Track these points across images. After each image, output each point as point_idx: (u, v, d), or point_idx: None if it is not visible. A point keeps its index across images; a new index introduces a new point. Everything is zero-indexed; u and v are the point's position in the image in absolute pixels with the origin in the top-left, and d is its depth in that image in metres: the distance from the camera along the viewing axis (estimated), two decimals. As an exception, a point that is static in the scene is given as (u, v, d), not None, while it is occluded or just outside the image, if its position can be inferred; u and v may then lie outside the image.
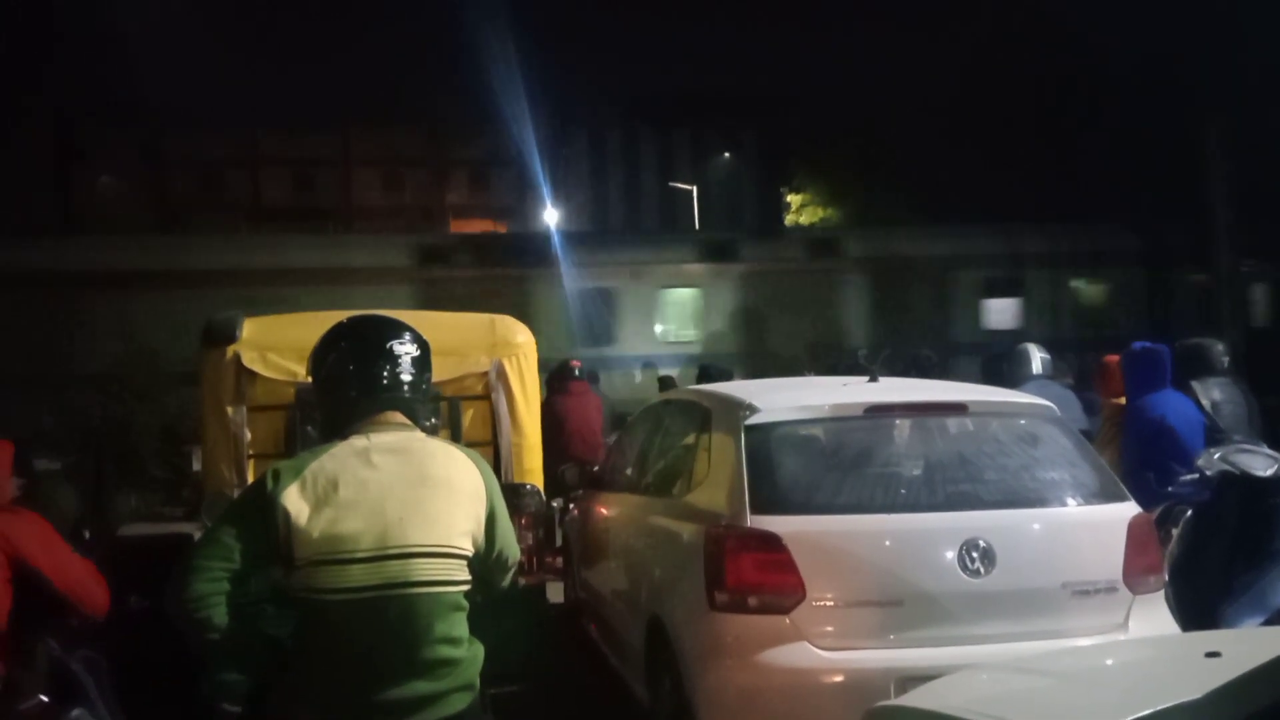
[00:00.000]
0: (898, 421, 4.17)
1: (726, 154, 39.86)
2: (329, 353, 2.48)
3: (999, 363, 6.74)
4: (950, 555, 3.71)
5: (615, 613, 5.12)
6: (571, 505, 6.97)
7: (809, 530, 3.77)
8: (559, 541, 7.34)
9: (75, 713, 3.30)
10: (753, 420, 4.04)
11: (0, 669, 3.00)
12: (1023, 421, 4.27)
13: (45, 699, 3.22)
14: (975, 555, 3.71)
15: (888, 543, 3.79)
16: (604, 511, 5.83)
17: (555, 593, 7.02)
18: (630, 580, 4.89)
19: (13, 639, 3.03)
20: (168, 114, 37.14)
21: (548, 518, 7.02)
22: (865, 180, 29.04)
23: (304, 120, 40.21)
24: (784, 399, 4.38)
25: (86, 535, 3.77)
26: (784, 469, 3.99)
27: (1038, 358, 6.58)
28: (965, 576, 3.70)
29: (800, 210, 32.50)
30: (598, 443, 8.61)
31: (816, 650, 3.64)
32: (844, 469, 4.01)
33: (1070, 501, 4.07)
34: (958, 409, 4.27)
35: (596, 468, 6.86)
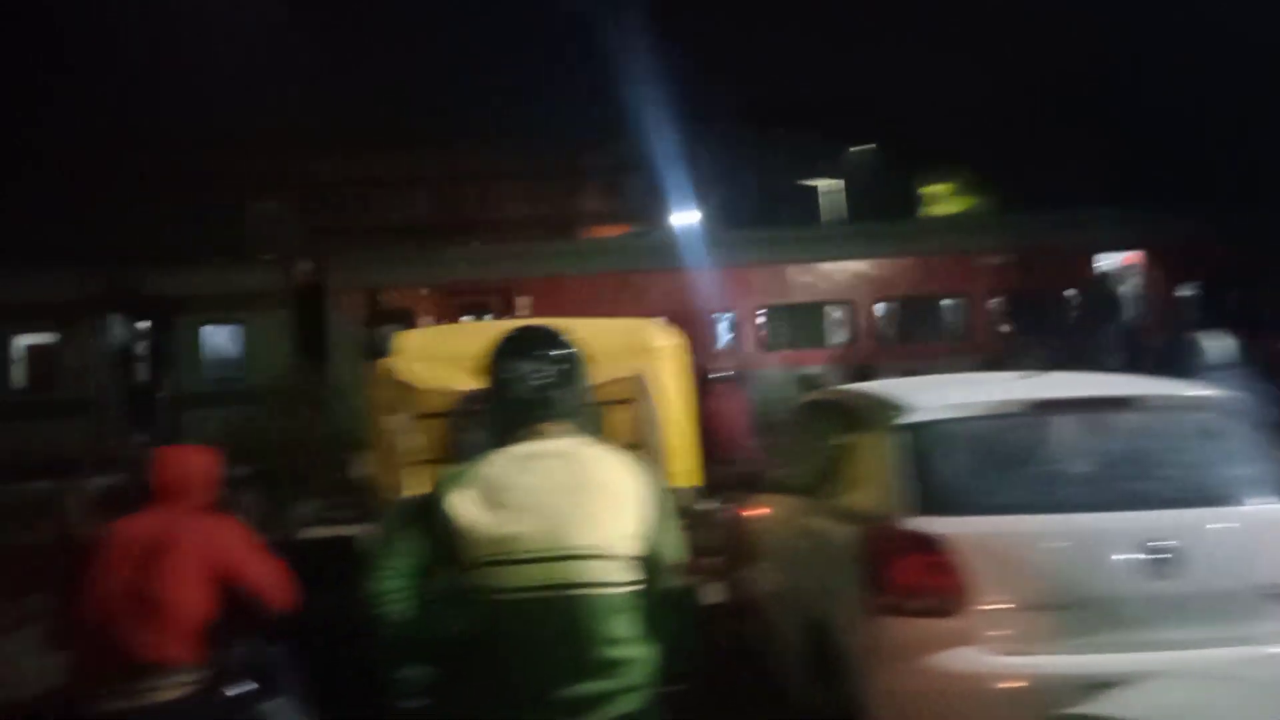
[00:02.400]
0: (1066, 417, 4.01)
1: (862, 146, 39.04)
2: (494, 364, 2.58)
3: (1174, 352, 6.37)
4: (1129, 556, 3.55)
5: (774, 615, 5.10)
6: (722, 507, 6.97)
7: (973, 531, 3.67)
8: (711, 543, 7.35)
9: (275, 702, 3.54)
10: (910, 419, 3.96)
11: (209, 659, 3.23)
12: (1203, 414, 4.04)
13: (248, 687, 3.46)
14: (1155, 556, 3.53)
15: (1059, 543, 3.66)
16: (758, 513, 5.82)
17: (711, 595, 7.03)
18: (788, 582, 4.86)
19: (220, 632, 3.26)
20: (320, 139, 39.21)
21: (702, 520, 7.04)
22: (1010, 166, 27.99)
23: (444, 137, 41.69)
24: (942, 397, 4.28)
25: (272, 537, 4.01)
26: (944, 468, 3.89)
27: (1218, 346, 6.19)
28: (1146, 579, 3.53)
29: (941, 201, 31.59)
30: (745, 444, 8.60)
31: (987, 655, 3.54)
32: (1009, 467, 3.88)
33: (1257, 498, 3.82)
34: (1129, 403, 4.07)
35: (747, 469, 6.85)
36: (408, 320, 16.52)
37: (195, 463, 3.58)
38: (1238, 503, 3.81)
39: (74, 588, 3.27)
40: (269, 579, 3.47)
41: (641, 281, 16.80)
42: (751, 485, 6.17)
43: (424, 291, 17.17)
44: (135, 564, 3.22)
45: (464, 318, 17.04)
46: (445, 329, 5.59)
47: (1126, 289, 18.08)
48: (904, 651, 3.62)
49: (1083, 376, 5.27)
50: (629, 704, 2.41)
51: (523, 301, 16.97)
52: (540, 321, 2.82)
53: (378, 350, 5.16)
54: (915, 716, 3.60)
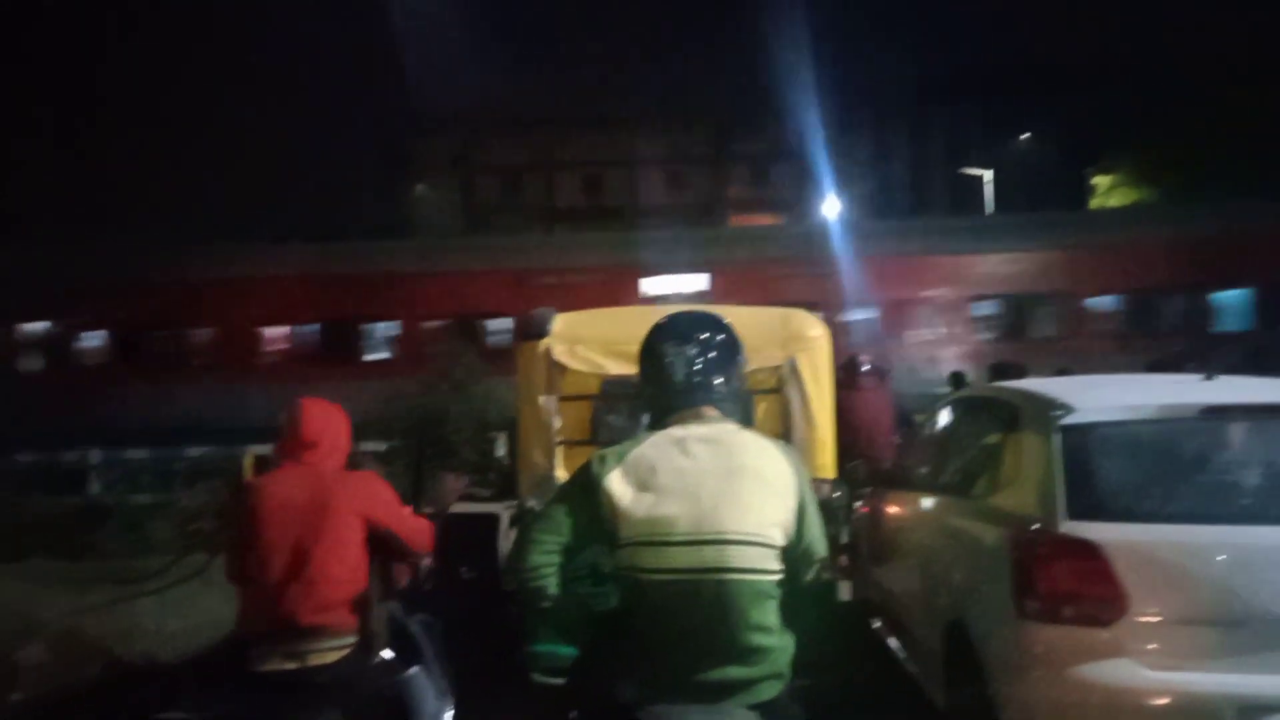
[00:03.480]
0: (1239, 424, 3.77)
1: (1024, 135, 37.39)
2: (652, 346, 2.60)
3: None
4: (1303, 574, 3.31)
5: (910, 615, 4.99)
6: (859, 503, 6.85)
7: (1131, 539, 3.49)
8: (845, 539, 7.24)
9: (413, 670, 3.66)
10: (1069, 420, 3.80)
11: (358, 625, 3.36)
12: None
13: (390, 656, 3.59)
14: None
15: (1227, 556, 3.44)
16: (897, 510, 5.70)
17: (842, 591, 6.93)
18: (928, 582, 4.74)
19: (368, 600, 3.39)
20: (472, 126, 40.48)
21: (835, 515, 6.94)
22: (1193, 154, 26.28)
23: (593, 123, 42.29)
24: (1104, 397, 4.08)
25: (421, 511, 4.14)
26: (1103, 473, 3.72)
27: None
28: None
29: (1109, 192, 30.03)
30: (886, 439, 8.42)
31: (1142, 669, 3.37)
32: (1174, 475, 3.68)
33: None
34: None
35: (887, 465, 6.71)
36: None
37: (335, 415, 3.62)
38: None
39: (240, 547, 3.41)
40: (410, 527, 3.54)
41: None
42: (889, 481, 6.04)
43: None
44: (296, 523, 3.32)
45: None
46: (598, 313, 5.63)
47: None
48: (1052, 660, 3.48)
49: (1263, 381, 4.93)
50: (768, 692, 2.41)
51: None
52: (699, 307, 2.83)
53: (534, 331, 5.25)
54: (1060, 728, 3.46)
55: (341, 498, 3.38)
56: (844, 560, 7.22)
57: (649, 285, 17.19)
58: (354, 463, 3.75)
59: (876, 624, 5.88)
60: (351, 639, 3.34)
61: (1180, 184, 26.37)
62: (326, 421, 3.56)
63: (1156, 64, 29.52)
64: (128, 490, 10.58)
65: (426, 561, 3.79)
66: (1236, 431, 3.80)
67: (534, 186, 44.94)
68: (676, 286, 17.14)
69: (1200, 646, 3.38)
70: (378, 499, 3.47)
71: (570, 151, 44.50)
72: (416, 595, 3.85)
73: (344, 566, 3.33)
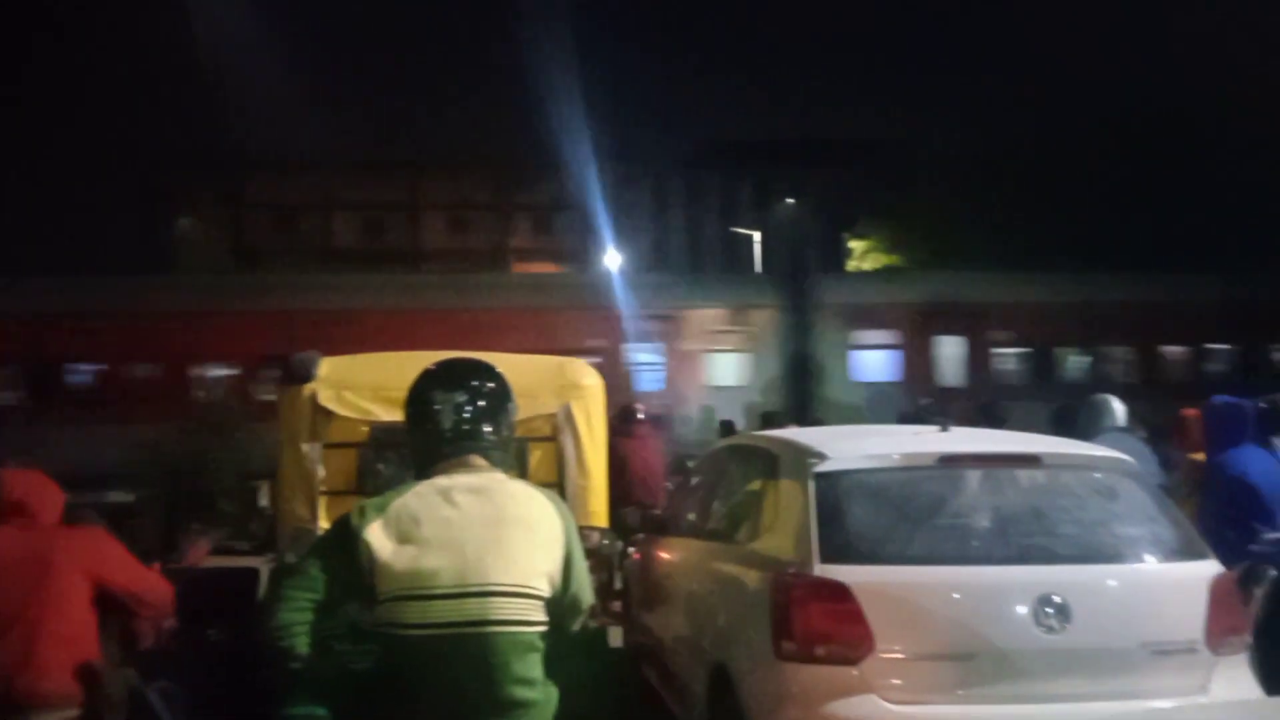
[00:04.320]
0: (970, 472, 4.11)
1: (790, 199, 39.83)
2: (417, 396, 2.54)
3: (1072, 413, 6.58)
4: (1023, 610, 3.64)
5: (677, 659, 5.09)
6: (631, 549, 6.95)
7: (878, 580, 3.73)
8: (618, 585, 7.31)
9: None
10: (822, 468, 4.02)
11: (84, 697, 3.06)
12: (1099, 475, 4.19)
13: None
14: (1050, 611, 3.63)
15: (959, 595, 3.73)
16: (666, 556, 5.81)
17: (614, 637, 6.98)
18: (694, 626, 4.86)
19: (92, 669, 3.10)
20: (247, 161, 38.71)
21: (607, 562, 7.00)
22: (937, 225, 28.96)
23: (375, 166, 41.46)
24: (854, 447, 4.36)
25: (165, 566, 3.85)
26: (853, 518, 3.95)
27: (1115, 409, 6.40)
28: (1039, 632, 3.62)
29: (864, 256, 32.47)
30: (659, 486, 8.60)
31: (885, 703, 3.58)
32: (915, 519, 3.96)
33: (1149, 558, 3.97)
34: (1031, 461, 4.20)
35: (658, 511, 6.84)
36: None
37: (37, 480, 3.42)
38: (1129, 561, 3.94)
39: None
40: (146, 583, 3.33)
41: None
42: (659, 527, 6.17)
43: None
44: (10, 584, 3.05)
45: None
46: (367, 358, 5.46)
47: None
48: (806, 699, 3.64)
49: (991, 433, 5.42)
50: None
51: None
52: (469, 354, 2.79)
53: (298, 375, 5.01)
54: (813, 764, 3.61)
55: (64, 555, 3.14)
56: (616, 606, 7.29)
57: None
58: (75, 516, 3.46)
59: (647, 670, 5.95)
60: (74, 711, 3.04)
61: (927, 251, 28.90)
62: (29, 486, 3.36)
63: (910, 142, 32.39)
64: None
65: (169, 623, 3.52)
66: (969, 479, 4.13)
67: (310, 226, 43.33)
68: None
69: (938, 680, 3.65)
70: (105, 556, 3.24)
71: (350, 193, 43.27)
72: (157, 660, 3.55)
73: (67, 629, 3.05)
